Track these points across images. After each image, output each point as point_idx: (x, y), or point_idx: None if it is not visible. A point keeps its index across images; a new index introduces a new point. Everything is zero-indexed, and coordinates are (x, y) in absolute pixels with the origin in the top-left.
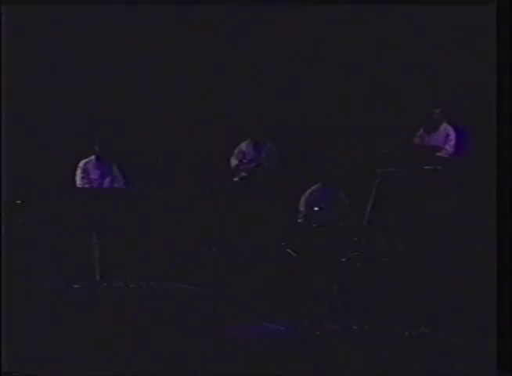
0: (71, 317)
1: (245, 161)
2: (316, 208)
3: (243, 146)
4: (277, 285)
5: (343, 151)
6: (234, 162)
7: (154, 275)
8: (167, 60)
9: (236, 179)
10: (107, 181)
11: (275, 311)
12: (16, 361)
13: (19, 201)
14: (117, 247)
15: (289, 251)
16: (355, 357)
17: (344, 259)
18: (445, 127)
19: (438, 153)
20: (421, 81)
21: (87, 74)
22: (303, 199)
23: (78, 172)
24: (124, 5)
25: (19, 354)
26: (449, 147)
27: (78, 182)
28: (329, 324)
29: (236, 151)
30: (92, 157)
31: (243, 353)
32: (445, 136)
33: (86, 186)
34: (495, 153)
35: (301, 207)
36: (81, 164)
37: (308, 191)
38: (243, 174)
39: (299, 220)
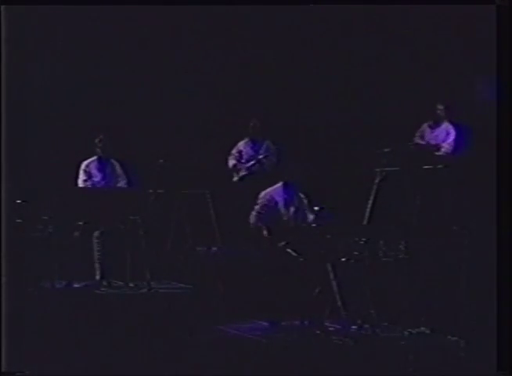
0: (71, 317)
1: (243, 161)
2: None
3: (241, 145)
4: (277, 285)
5: (343, 150)
6: (232, 162)
7: (154, 275)
8: (167, 60)
9: (235, 179)
10: (110, 181)
11: (275, 311)
12: (16, 361)
13: (19, 201)
14: (117, 247)
15: (289, 251)
16: (355, 357)
17: (344, 259)
18: (446, 125)
19: (437, 152)
20: (421, 80)
21: (88, 73)
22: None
23: (80, 174)
24: (125, 5)
25: (20, 354)
26: (448, 145)
27: (81, 184)
28: (329, 324)
29: (233, 151)
30: (94, 158)
31: (243, 353)
32: (446, 134)
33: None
34: (496, 152)
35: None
36: (83, 165)
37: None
38: (242, 173)
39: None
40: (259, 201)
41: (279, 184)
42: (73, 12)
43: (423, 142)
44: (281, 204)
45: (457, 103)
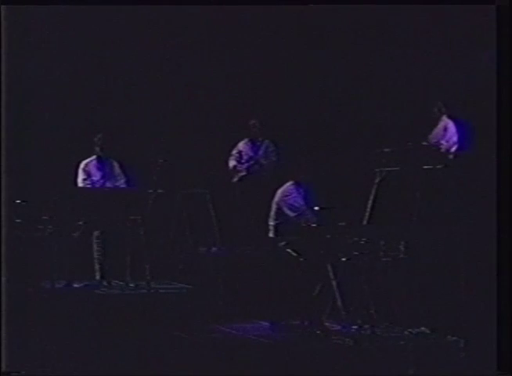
0: (71, 317)
1: (243, 161)
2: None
3: (241, 145)
4: (277, 285)
5: (342, 150)
6: (232, 163)
7: (154, 275)
8: (167, 60)
9: (234, 180)
10: (109, 180)
11: (275, 311)
12: (16, 361)
13: (19, 201)
14: (117, 247)
15: (289, 250)
16: (355, 357)
17: (344, 259)
18: (445, 121)
19: (439, 151)
20: (421, 80)
21: (87, 73)
22: (279, 201)
23: (80, 174)
24: (125, 5)
25: (19, 354)
26: (446, 143)
27: (80, 183)
28: (329, 324)
29: (233, 152)
30: (93, 158)
31: (243, 353)
32: (444, 130)
33: (88, 186)
34: (496, 152)
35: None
36: (82, 165)
37: (282, 192)
38: (242, 174)
39: (271, 223)
40: (281, 207)
41: (290, 183)
42: (73, 12)
43: (425, 143)
44: (302, 203)
45: (457, 102)
